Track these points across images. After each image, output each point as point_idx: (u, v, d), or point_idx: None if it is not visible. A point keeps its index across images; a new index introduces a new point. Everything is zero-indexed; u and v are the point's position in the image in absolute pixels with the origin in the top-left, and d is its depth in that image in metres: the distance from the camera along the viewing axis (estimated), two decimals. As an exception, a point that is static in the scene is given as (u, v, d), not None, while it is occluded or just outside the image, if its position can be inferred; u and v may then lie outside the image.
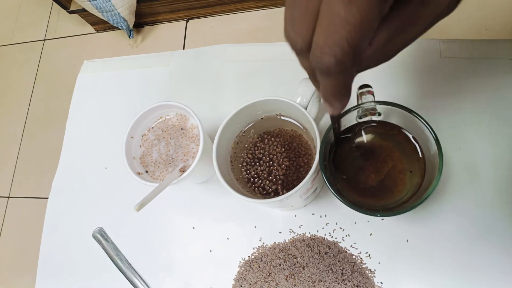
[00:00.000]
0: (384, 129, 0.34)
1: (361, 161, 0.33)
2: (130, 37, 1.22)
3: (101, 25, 1.32)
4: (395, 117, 0.33)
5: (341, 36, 0.14)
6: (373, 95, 0.32)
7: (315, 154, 0.36)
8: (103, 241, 0.45)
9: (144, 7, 1.20)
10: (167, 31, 1.29)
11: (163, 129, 0.38)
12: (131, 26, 1.20)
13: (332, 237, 0.39)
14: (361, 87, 0.35)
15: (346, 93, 0.18)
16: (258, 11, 1.21)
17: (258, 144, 0.35)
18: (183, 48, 1.25)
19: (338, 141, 0.32)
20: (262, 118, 0.36)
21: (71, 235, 0.48)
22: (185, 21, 1.27)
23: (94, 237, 0.46)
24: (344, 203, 0.28)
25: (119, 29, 1.26)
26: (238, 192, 0.31)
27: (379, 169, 0.32)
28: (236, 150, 0.36)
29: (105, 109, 0.52)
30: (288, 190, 0.34)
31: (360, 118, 0.32)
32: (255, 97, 0.33)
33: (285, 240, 0.40)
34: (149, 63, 0.52)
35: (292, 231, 0.40)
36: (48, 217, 0.50)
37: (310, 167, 0.36)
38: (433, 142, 0.28)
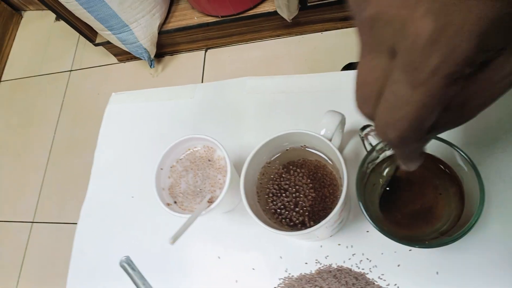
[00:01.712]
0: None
1: (397, 192, 0.34)
2: (151, 67, 1.27)
3: (123, 55, 1.39)
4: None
5: (402, 116, 0.15)
6: None
7: (340, 184, 0.37)
8: (130, 270, 0.46)
9: (164, 38, 1.26)
10: (186, 61, 1.34)
11: (191, 161, 0.40)
12: (152, 56, 1.26)
13: (359, 268, 0.39)
14: (363, 128, 0.36)
15: (415, 158, 0.20)
16: (274, 39, 1.25)
17: (284, 175, 0.36)
18: (202, 76, 1.29)
19: (371, 175, 0.32)
20: (287, 150, 0.37)
21: (98, 263, 0.49)
22: (203, 51, 1.32)
23: (121, 265, 0.47)
24: (387, 236, 0.29)
25: (140, 59, 1.31)
26: (266, 223, 0.32)
27: (418, 198, 0.33)
28: (262, 181, 0.37)
29: (132, 139, 0.54)
30: (315, 221, 0.35)
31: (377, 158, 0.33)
32: (281, 130, 0.34)
33: (311, 271, 0.40)
34: (174, 95, 0.54)
35: (318, 262, 0.40)
36: (76, 244, 0.51)
37: (336, 197, 0.36)
38: (469, 168, 0.29)
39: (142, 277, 0.46)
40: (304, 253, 0.41)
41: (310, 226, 0.34)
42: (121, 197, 0.51)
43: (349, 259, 0.39)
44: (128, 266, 0.47)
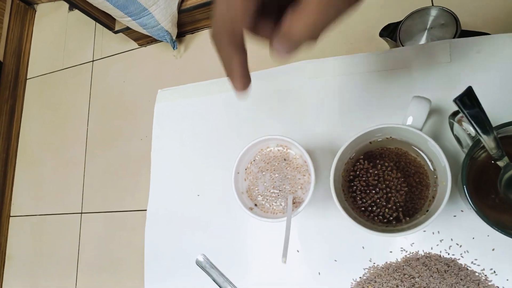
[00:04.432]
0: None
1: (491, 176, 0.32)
2: (175, 48, 1.24)
3: (143, 39, 1.36)
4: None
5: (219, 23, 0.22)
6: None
7: (427, 171, 0.35)
8: (208, 268, 0.47)
9: (184, 17, 1.21)
10: (208, 37, 1.29)
11: (265, 161, 0.38)
12: (174, 37, 1.22)
13: (448, 254, 0.38)
14: (454, 114, 0.32)
15: (241, 71, 0.24)
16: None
17: (370, 171, 0.35)
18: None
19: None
20: (370, 142, 0.35)
21: (174, 263, 0.50)
22: (225, 25, 1.27)
23: (198, 264, 0.48)
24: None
25: (160, 41, 1.28)
26: (361, 225, 0.31)
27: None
28: (347, 178, 0.35)
29: (187, 136, 0.54)
30: (408, 215, 0.33)
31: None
32: (369, 125, 0.32)
33: (397, 259, 0.39)
34: (225, 87, 0.52)
35: (404, 250, 0.39)
36: (148, 247, 0.53)
37: (424, 186, 0.35)
38: None
39: (221, 274, 0.47)
40: (388, 242, 0.40)
41: (406, 222, 0.33)
42: (186, 196, 0.51)
43: (437, 245, 0.38)
44: (206, 263, 0.48)
